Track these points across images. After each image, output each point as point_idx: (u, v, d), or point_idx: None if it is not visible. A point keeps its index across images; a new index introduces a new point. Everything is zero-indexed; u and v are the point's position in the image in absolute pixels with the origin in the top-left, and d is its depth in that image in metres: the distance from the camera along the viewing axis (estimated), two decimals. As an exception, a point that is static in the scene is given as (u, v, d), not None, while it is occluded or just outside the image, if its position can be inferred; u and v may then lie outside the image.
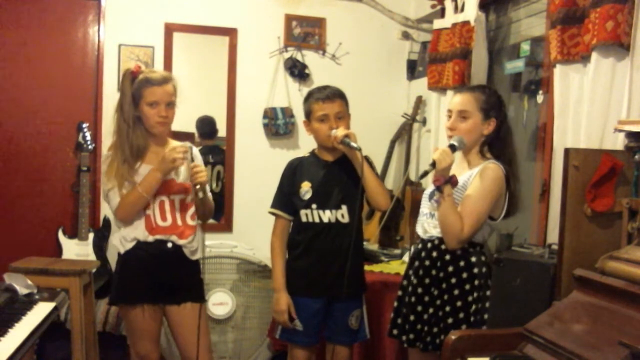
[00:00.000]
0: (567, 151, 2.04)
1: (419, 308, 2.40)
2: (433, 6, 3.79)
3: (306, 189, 2.61)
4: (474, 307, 2.31)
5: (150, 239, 2.55)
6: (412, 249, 2.55)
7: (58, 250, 3.62)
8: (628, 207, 1.92)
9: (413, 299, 2.43)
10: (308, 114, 2.63)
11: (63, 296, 2.30)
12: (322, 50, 4.08)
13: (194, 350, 2.61)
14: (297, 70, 3.99)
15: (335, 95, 2.58)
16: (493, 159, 2.37)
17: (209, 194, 2.77)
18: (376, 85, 4.18)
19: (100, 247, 3.63)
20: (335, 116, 2.55)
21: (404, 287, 2.53)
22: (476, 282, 2.33)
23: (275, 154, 3.99)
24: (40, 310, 2.06)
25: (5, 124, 3.65)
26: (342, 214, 2.59)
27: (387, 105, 4.18)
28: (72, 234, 3.64)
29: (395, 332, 2.52)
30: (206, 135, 3.98)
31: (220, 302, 3.63)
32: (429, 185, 2.46)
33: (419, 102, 4.00)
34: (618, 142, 2.18)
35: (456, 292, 2.33)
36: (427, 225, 2.43)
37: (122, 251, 2.58)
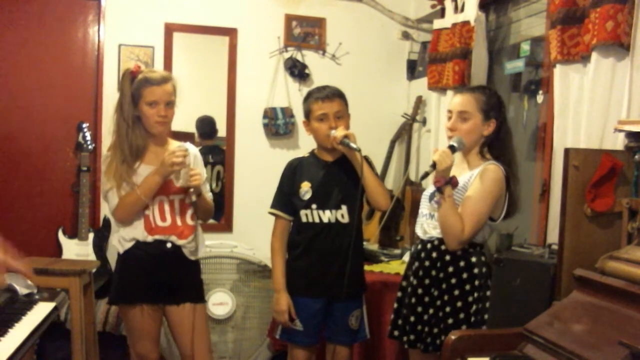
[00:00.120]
0: (567, 151, 2.04)
1: (419, 309, 2.40)
2: (433, 6, 3.79)
3: (306, 189, 2.61)
4: (474, 307, 2.31)
5: (150, 239, 2.55)
6: (412, 249, 2.55)
7: (58, 250, 3.62)
8: (628, 207, 1.92)
9: (413, 299, 2.43)
10: (307, 114, 2.63)
11: (63, 296, 2.29)
12: (322, 50, 4.08)
13: (193, 350, 2.61)
14: (297, 70, 3.99)
15: (335, 94, 2.58)
16: (493, 159, 2.37)
17: (210, 194, 2.77)
18: (376, 85, 4.18)
19: (100, 247, 3.63)
20: (334, 115, 2.55)
21: (403, 288, 2.54)
22: (476, 283, 2.33)
23: (275, 154, 3.99)
24: (40, 310, 2.06)
25: (5, 124, 3.65)
26: (342, 214, 2.59)
27: (387, 105, 4.18)
28: (72, 234, 3.64)
29: (395, 333, 2.51)
30: (206, 135, 3.98)
31: (220, 302, 3.63)
32: (428, 185, 2.46)
33: (419, 102, 4.00)
34: (618, 142, 2.18)
35: (456, 292, 2.33)
36: (427, 226, 2.43)
37: (121, 251, 2.59)
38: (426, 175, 2.32)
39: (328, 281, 2.58)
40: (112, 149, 2.57)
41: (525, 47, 3.19)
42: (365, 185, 2.54)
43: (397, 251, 3.63)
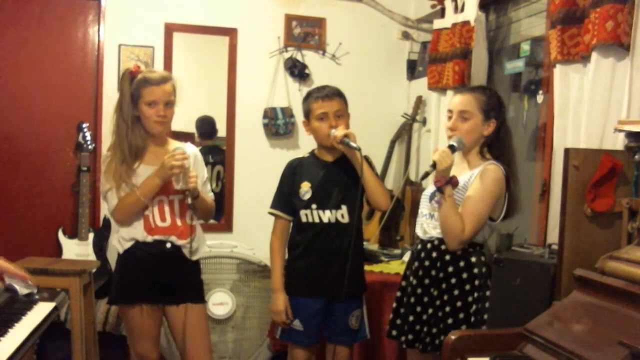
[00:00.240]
0: (567, 151, 2.04)
1: (418, 309, 2.40)
2: (433, 6, 3.79)
3: (306, 189, 2.61)
4: (474, 307, 2.31)
5: (149, 239, 2.55)
6: (412, 249, 2.55)
7: (58, 250, 3.62)
8: (628, 207, 1.92)
9: (412, 299, 2.43)
10: (307, 113, 2.63)
11: (63, 296, 2.29)
12: (322, 50, 4.08)
13: (193, 350, 2.62)
14: (297, 70, 3.99)
15: (334, 94, 2.59)
16: (493, 159, 2.37)
17: (211, 194, 2.77)
18: (376, 85, 4.18)
19: (100, 247, 3.63)
20: (334, 114, 2.55)
21: (402, 287, 2.54)
22: (476, 283, 2.33)
23: (275, 154, 3.99)
24: (40, 310, 2.06)
25: (5, 124, 3.65)
26: (342, 214, 2.59)
27: (387, 105, 4.18)
28: (72, 234, 3.64)
29: (394, 332, 2.52)
30: (206, 135, 3.98)
31: (220, 302, 3.63)
32: (428, 185, 2.46)
33: (419, 102, 4.00)
34: (618, 142, 2.18)
35: (456, 292, 2.33)
36: (427, 226, 2.43)
37: (120, 251, 2.59)
38: (426, 175, 2.32)
39: (328, 281, 2.58)
40: (112, 149, 2.57)
41: (525, 47, 3.19)
42: (365, 185, 2.54)
43: (397, 251, 3.63)
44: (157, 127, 2.56)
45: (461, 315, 2.32)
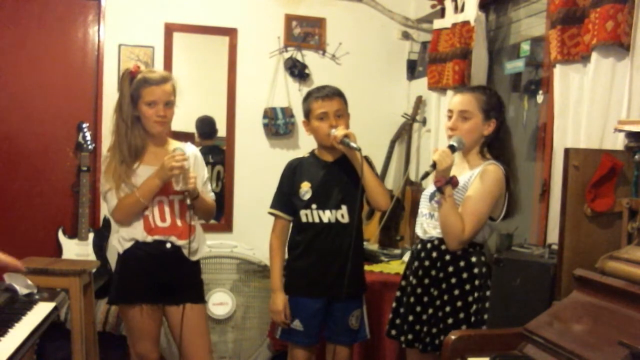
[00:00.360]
0: (567, 151, 2.04)
1: (418, 308, 2.40)
2: (433, 6, 3.79)
3: (306, 189, 2.61)
4: (474, 307, 2.31)
5: (149, 239, 2.55)
6: (412, 249, 2.55)
7: (58, 250, 3.62)
8: (628, 207, 1.92)
9: (412, 299, 2.43)
10: (307, 113, 2.63)
11: (63, 296, 2.29)
12: (322, 50, 4.08)
13: (193, 350, 2.62)
14: (297, 70, 3.99)
15: (334, 93, 2.59)
16: (493, 159, 2.37)
17: (212, 194, 2.77)
18: (376, 85, 4.18)
19: (100, 247, 3.63)
20: (334, 114, 2.55)
21: (402, 287, 2.54)
22: (476, 282, 2.33)
23: (275, 154, 3.99)
24: (40, 310, 2.06)
25: (5, 124, 3.65)
26: (342, 214, 2.59)
27: (387, 105, 4.18)
28: (72, 234, 3.64)
29: (393, 332, 2.52)
30: (206, 135, 3.98)
31: (220, 302, 3.63)
32: (428, 185, 2.46)
33: (419, 102, 4.00)
34: (618, 142, 2.18)
35: (456, 292, 2.33)
36: (427, 226, 2.43)
37: (120, 251, 2.59)
38: (426, 175, 2.32)
39: (328, 281, 2.58)
40: (111, 149, 2.57)
41: (525, 47, 3.19)
42: (365, 185, 2.54)
43: (397, 251, 3.63)
44: (156, 127, 2.56)
45: (461, 315, 2.32)
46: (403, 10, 4.20)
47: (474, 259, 2.34)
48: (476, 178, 2.32)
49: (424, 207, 2.47)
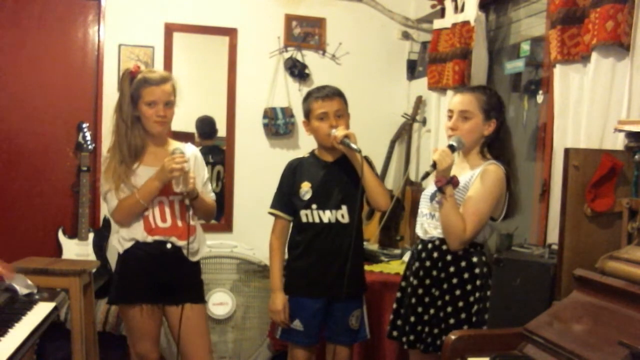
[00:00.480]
0: (567, 151, 2.04)
1: (420, 309, 2.40)
2: (433, 6, 3.79)
3: (306, 189, 2.61)
4: (475, 307, 2.31)
5: (149, 239, 2.55)
6: (412, 249, 2.54)
7: (58, 250, 3.62)
8: (628, 207, 1.92)
9: (413, 300, 2.43)
10: (307, 113, 2.62)
11: (63, 296, 2.30)
12: (322, 50, 4.08)
13: (193, 350, 2.62)
14: (297, 70, 3.99)
15: (335, 93, 2.59)
16: (493, 159, 2.37)
17: (212, 194, 2.77)
18: (376, 85, 4.18)
19: (100, 247, 3.63)
20: (334, 114, 2.55)
21: (402, 288, 2.53)
22: (478, 282, 2.33)
23: (275, 154, 3.99)
24: (40, 310, 2.06)
25: (5, 124, 3.65)
26: (342, 214, 2.59)
27: (387, 105, 4.18)
28: (72, 234, 3.64)
29: (395, 333, 2.51)
30: (206, 135, 3.98)
31: (220, 302, 3.63)
32: (428, 185, 2.46)
33: (419, 102, 4.00)
34: (618, 142, 2.18)
35: (458, 292, 2.33)
36: (428, 226, 2.43)
37: (120, 251, 2.59)
38: (427, 175, 2.32)
39: (328, 281, 2.58)
40: (111, 149, 2.57)
41: (525, 47, 3.19)
42: (365, 186, 2.54)
43: (397, 251, 3.63)
44: (156, 127, 2.56)
45: (463, 316, 2.32)
46: (403, 10, 4.20)
47: (475, 259, 2.34)
48: (477, 178, 2.32)
49: (425, 207, 2.47)
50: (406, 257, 3.23)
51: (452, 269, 2.35)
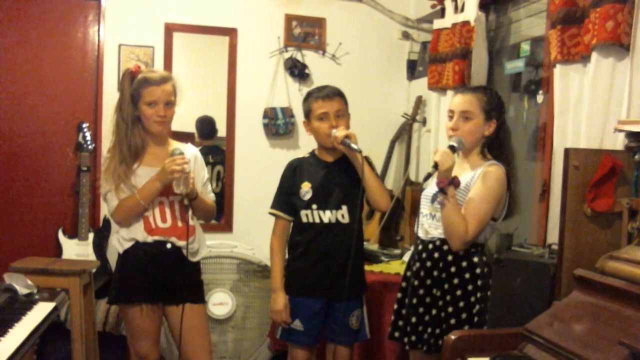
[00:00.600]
0: (567, 151, 2.04)
1: (421, 310, 2.40)
2: (433, 6, 3.79)
3: (306, 190, 2.61)
4: (477, 307, 2.31)
5: (149, 239, 2.55)
6: (412, 250, 2.54)
7: (58, 250, 3.62)
8: (628, 207, 1.92)
9: (414, 300, 2.42)
10: (307, 113, 2.62)
11: (63, 296, 2.30)
12: (322, 50, 4.08)
13: (193, 350, 2.61)
14: (297, 70, 3.99)
15: (335, 93, 2.58)
16: (493, 159, 2.37)
17: (212, 195, 2.77)
18: (376, 85, 4.18)
19: (100, 247, 3.63)
20: (334, 114, 2.55)
21: (403, 289, 2.53)
22: (479, 283, 2.32)
23: (275, 154, 3.99)
24: (40, 310, 2.06)
25: (5, 124, 3.65)
26: (342, 214, 2.59)
27: (387, 105, 4.18)
28: (72, 234, 3.64)
29: (396, 334, 2.51)
30: (206, 135, 3.98)
31: (220, 302, 3.63)
32: (427, 185, 2.46)
33: (419, 102, 4.00)
34: (618, 142, 2.18)
35: (459, 292, 2.33)
36: (429, 227, 2.42)
37: (120, 250, 2.59)
38: (429, 176, 2.30)
39: (328, 281, 2.58)
40: (111, 149, 2.57)
41: (525, 47, 3.20)
42: (365, 186, 2.54)
43: (397, 251, 3.63)
44: (157, 127, 2.56)
45: (464, 316, 2.32)
46: (403, 10, 4.20)
47: (476, 259, 2.34)
48: (478, 179, 2.32)
49: (425, 207, 2.47)
50: (406, 257, 3.23)
51: (453, 269, 2.35)
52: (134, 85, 2.52)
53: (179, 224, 2.58)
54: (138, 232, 2.54)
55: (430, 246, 2.41)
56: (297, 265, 2.65)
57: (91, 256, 3.59)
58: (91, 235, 3.63)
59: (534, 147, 3.16)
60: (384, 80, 4.21)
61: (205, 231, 2.75)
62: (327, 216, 2.59)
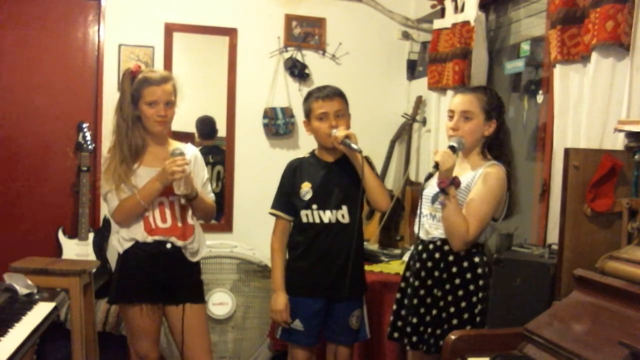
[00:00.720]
0: (567, 151, 2.04)
1: (422, 310, 2.40)
2: (433, 6, 3.79)
3: (306, 190, 2.61)
4: (478, 307, 2.30)
5: (149, 239, 2.55)
6: (412, 250, 2.54)
7: (58, 250, 3.62)
8: (628, 207, 1.92)
9: (415, 301, 2.42)
10: (308, 113, 2.62)
11: (63, 296, 2.30)
12: (322, 50, 4.08)
13: (193, 350, 2.62)
14: (297, 70, 3.99)
15: (335, 93, 2.58)
16: (493, 159, 2.37)
17: (212, 195, 2.77)
18: (376, 85, 4.18)
19: (100, 247, 3.63)
20: (334, 114, 2.55)
21: (402, 289, 2.53)
22: (480, 283, 2.32)
23: (275, 154, 3.99)
24: (40, 310, 2.06)
25: (5, 124, 3.65)
26: (342, 215, 2.59)
27: (387, 105, 4.18)
28: (72, 234, 3.64)
29: (395, 335, 2.51)
30: (206, 135, 3.98)
31: (220, 302, 3.63)
32: (427, 186, 2.46)
33: (419, 102, 4.00)
34: (618, 142, 2.18)
35: (460, 292, 2.33)
36: (429, 227, 2.42)
37: (120, 251, 2.59)
38: (430, 176, 2.30)
39: (329, 281, 2.58)
40: (112, 149, 2.57)
41: (525, 47, 3.20)
42: (365, 186, 2.54)
43: (397, 251, 3.63)
44: (157, 127, 2.56)
45: (466, 316, 2.31)
46: (403, 10, 4.20)
47: (477, 259, 2.34)
48: (479, 179, 2.32)
49: (425, 207, 2.46)
50: (406, 257, 3.23)
51: (454, 270, 2.34)
52: (135, 85, 2.52)
53: (179, 224, 2.58)
54: (138, 232, 2.54)
55: (431, 246, 2.41)
56: (297, 265, 2.65)
57: (91, 256, 3.59)
58: (91, 235, 3.63)
59: (533, 147, 3.16)
60: (384, 80, 4.21)
61: (205, 231, 2.75)
62: (327, 216, 2.59)
